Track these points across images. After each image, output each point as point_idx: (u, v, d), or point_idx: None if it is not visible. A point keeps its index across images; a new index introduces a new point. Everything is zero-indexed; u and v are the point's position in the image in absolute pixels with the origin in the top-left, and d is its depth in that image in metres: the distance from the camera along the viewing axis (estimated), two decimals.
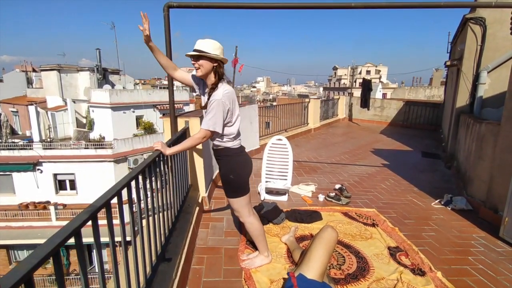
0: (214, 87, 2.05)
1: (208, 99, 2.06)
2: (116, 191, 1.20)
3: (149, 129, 19.53)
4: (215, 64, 2.03)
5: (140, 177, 1.59)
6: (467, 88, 5.63)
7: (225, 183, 2.29)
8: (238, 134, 2.21)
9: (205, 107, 2.11)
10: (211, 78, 2.08)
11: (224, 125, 2.07)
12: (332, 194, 3.97)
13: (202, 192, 3.44)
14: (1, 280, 0.61)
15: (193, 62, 2.02)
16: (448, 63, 6.77)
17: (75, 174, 16.15)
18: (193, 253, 2.56)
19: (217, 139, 2.16)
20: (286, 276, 2.21)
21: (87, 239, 1.01)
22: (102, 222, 1.01)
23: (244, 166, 2.26)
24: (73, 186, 16.51)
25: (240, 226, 3.04)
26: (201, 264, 2.43)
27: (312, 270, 1.81)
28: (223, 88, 2.04)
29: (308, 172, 5.23)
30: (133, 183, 1.46)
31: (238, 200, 2.28)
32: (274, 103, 18.83)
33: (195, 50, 1.98)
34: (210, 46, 1.98)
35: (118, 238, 1.30)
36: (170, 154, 2.06)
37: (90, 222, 1.03)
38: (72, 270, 15.38)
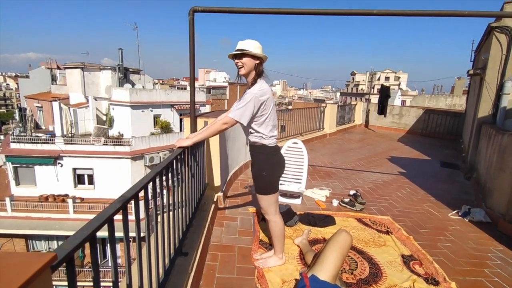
0: (253, 82, 2.14)
1: None
2: (143, 184, 1.28)
3: (165, 128, 19.88)
4: (256, 62, 2.12)
5: (163, 173, 1.67)
6: (490, 98, 5.51)
7: (256, 179, 2.33)
8: (274, 133, 2.26)
9: None
10: (252, 75, 2.16)
11: (261, 122, 2.14)
12: (347, 200, 3.97)
13: (218, 191, 3.51)
14: (55, 250, 0.69)
15: (236, 61, 2.13)
16: (471, 72, 6.63)
17: (94, 169, 16.65)
18: (208, 250, 2.63)
19: (254, 135, 2.21)
20: (298, 277, 2.24)
21: (103, 233, 1.08)
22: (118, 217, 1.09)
23: (277, 165, 2.31)
24: (91, 180, 17.01)
25: (254, 227, 3.10)
26: (215, 260, 2.50)
27: (325, 271, 1.84)
28: (260, 84, 2.12)
29: (323, 177, 5.23)
30: (157, 180, 1.54)
31: (267, 198, 2.32)
32: (290, 107, 18.83)
33: (237, 50, 2.10)
34: (252, 45, 2.10)
35: (132, 234, 1.37)
36: (192, 143, 2.16)
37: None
38: (87, 262, 15.81)
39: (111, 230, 1.04)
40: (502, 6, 5.34)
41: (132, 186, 1.22)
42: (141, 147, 16.91)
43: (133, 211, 1.30)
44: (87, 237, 0.83)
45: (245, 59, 2.10)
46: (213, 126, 2.19)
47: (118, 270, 1.14)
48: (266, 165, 2.26)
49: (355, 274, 2.42)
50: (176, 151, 1.95)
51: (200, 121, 3.25)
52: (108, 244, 15.03)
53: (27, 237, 15.92)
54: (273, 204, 2.34)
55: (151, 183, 1.41)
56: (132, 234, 1.27)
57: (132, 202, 1.26)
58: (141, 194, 1.40)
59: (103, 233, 1.07)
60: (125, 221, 1.12)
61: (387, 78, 52.41)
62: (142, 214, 1.43)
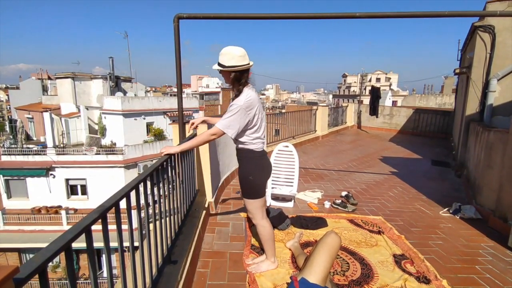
0: (237, 94, 2.14)
1: None
2: (125, 193, 1.26)
3: (159, 135, 19.79)
4: (232, 75, 2.11)
5: (148, 182, 1.65)
6: (476, 96, 5.59)
7: (243, 183, 2.33)
8: (262, 138, 2.27)
9: None
10: (235, 86, 2.16)
11: (247, 129, 2.14)
12: (339, 201, 3.97)
13: (209, 197, 3.50)
14: (20, 268, 0.68)
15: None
16: (457, 70, 6.73)
17: (87, 179, 16.47)
18: (198, 257, 2.60)
19: (240, 140, 2.21)
20: (290, 281, 2.23)
21: (96, 243, 1.06)
22: (112, 227, 1.08)
23: (263, 169, 2.31)
24: (84, 191, 16.82)
25: (246, 232, 3.09)
26: (206, 267, 2.48)
27: (314, 274, 1.84)
28: (246, 94, 2.11)
29: (315, 179, 5.24)
30: (141, 188, 1.53)
31: (253, 202, 2.32)
32: (283, 111, 18.92)
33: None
34: (225, 58, 2.09)
35: (126, 243, 1.35)
36: (180, 150, 2.18)
37: (98, 229, 1.09)
38: (82, 274, 15.56)
39: (89, 241, 1.02)
40: (485, 5, 5.45)
41: (112, 195, 1.21)
42: (135, 155, 16.80)
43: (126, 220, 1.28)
44: (60, 248, 0.81)
45: (222, 74, 2.14)
46: (201, 136, 2.20)
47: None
48: (252, 169, 2.26)
49: (347, 275, 2.41)
50: (161, 158, 1.94)
51: (188, 127, 3.23)
52: (104, 255, 14.78)
53: (20, 251, 15.62)
54: (259, 208, 2.34)
55: (133, 191, 1.39)
56: (125, 244, 1.25)
57: (127, 210, 1.25)
58: (133, 203, 1.38)
59: (98, 243, 1.05)
60: (105, 231, 1.11)
61: (378, 79, 52.97)
62: (130, 224, 1.42)
